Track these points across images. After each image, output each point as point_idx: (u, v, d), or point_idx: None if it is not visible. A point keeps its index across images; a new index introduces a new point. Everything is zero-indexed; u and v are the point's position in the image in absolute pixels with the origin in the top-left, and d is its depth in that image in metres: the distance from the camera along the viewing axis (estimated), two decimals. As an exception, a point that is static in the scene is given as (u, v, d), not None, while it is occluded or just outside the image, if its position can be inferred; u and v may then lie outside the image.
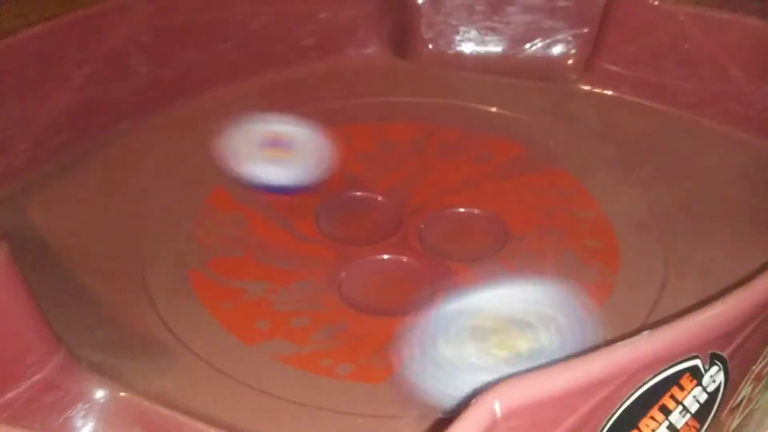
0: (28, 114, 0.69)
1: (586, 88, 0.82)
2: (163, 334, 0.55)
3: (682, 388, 0.36)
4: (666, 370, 0.35)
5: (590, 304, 0.53)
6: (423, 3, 0.85)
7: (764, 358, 0.41)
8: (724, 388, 0.38)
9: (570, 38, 0.83)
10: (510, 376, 0.32)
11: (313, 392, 0.51)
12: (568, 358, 0.34)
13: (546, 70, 0.83)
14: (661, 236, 0.63)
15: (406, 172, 0.71)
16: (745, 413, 0.42)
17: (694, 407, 0.37)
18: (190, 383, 0.52)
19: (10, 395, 0.45)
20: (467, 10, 0.84)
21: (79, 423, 0.46)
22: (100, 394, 0.47)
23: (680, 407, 0.36)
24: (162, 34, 0.77)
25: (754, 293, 0.38)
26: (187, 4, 0.78)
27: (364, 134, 0.75)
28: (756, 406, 0.44)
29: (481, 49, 0.85)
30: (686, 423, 0.36)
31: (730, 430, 0.41)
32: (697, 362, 0.36)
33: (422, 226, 0.65)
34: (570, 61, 0.83)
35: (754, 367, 0.40)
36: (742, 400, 0.41)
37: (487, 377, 0.33)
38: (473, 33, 0.85)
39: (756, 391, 0.42)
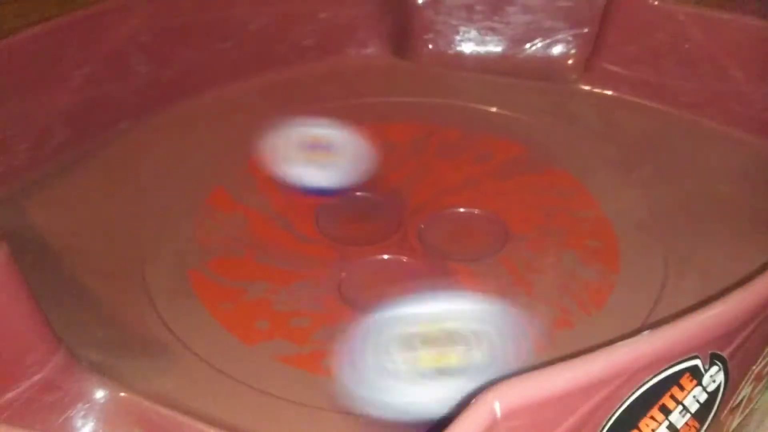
0: (28, 114, 0.69)
1: (586, 88, 0.82)
2: (163, 334, 0.55)
3: (682, 388, 0.36)
4: (666, 370, 0.35)
5: (528, 325, 0.52)
6: (423, 3, 0.85)
7: (764, 358, 0.41)
8: (724, 388, 0.38)
9: (570, 38, 0.83)
10: (510, 376, 0.32)
11: (313, 392, 0.51)
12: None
13: (546, 70, 0.83)
14: (661, 236, 0.63)
15: (406, 172, 0.71)
16: (745, 413, 0.42)
17: (694, 407, 0.37)
18: (190, 383, 0.52)
19: (10, 395, 0.45)
20: (467, 10, 0.84)
21: (79, 423, 0.46)
22: (100, 394, 0.47)
23: (680, 407, 0.36)
24: (162, 34, 0.77)
25: (754, 293, 0.38)
26: (187, 4, 0.78)
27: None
28: (756, 406, 0.44)
29: (481, 49, 0.85)
30: (686, 423, 0.36)
31: (730, 430, 0.41)
32: (697, 362, 0.36)
33: (422, 226, 0.65)
34: (570, 61, 0.83)
35: (754, 367, 0.40)
36: (742, 400, 0.41)
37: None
38: (473, 33, 0.85)
39: (756, 391, 0.42)
